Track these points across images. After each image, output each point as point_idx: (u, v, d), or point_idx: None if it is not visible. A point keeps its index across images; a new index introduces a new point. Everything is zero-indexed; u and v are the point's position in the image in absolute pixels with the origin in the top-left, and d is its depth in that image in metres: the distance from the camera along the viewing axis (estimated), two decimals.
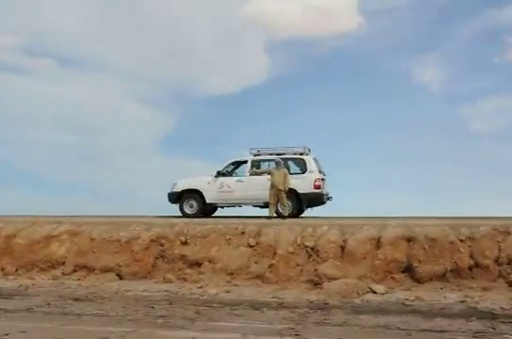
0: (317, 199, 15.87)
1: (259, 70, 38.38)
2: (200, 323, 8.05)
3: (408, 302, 9.53)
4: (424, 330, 7.52)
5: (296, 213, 15.79)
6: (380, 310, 9.04)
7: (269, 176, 15.19)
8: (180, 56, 38.03)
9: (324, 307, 9.30)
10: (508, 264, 10.68)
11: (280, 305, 9.52)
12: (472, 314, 8.62)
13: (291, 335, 7.23)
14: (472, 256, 10.94)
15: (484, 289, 10.32)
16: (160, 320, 8.25)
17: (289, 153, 16.34)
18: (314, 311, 8.98)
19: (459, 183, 30.50)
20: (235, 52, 38.45)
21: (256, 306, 9.37)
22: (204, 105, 39.05)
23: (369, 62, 38.17)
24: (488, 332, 7.40)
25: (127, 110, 37.25)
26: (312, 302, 9.70)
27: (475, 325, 7.85)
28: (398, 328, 7.69)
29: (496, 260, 10.81)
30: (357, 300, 9.80)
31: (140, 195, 32.16)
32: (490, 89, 36.66)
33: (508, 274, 10.57)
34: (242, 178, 16.21)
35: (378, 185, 29.43)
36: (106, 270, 12.50)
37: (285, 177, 14.97)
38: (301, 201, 15.68)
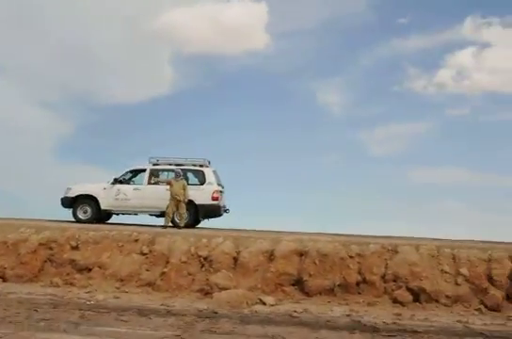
0: (214, 210, 15.83)
1: (164, 81, 38.13)
2: (85, 328, 7.87)
3: (295, 314, 9.67)
4: None
5: (192, 223, 15.70)
6: (268, 320, 9.12)
7: (168, 186, 15.06)
8: (84, 62, 37.23)
9: (212, 316, 9.28)
10: (394, 281, 11.05)
11: (169, 312, 9.42)
12: (355, 327, 8.88)
13: None
14: (360, 272, 11.26)
15: (369, 304, 10.64)
16: (42, 323, 8.02)
17: (188, 165, 16.25)
18: (203, 319, 8.95)
19: (354, 203, 31.38)
20: (141, 62, 38.20)
21: (144, 313, 9.24)
22: (105, 113, 38.30)
23: (275, 81, 38.86)
24: None
25: (24, 114, 35.92)
26: (200, 311, 9.65)
27: (358, 337, 8.14)
28: (284, 338, 7.77)
29: (382, 277, 11.18)
30: (246, 311, 9.84)
31: (32, 200, 30.98)
32: (388, 116, 38.09)
33: (393, 290, 10.94)
34: (139, 186, 15.97)
35: (275, 203, 29.71)
36: None
37: (184, 188, 14.90)
38: (198, 212, 15.61)
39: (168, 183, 15.18)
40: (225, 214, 16.52)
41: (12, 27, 35.90)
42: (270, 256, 11.60)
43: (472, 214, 31.07)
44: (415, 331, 8.69)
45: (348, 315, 9.74)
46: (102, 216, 16.13)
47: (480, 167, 34.42)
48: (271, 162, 34.99)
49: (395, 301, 10.77)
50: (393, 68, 38.80)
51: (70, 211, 16.13)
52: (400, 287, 10.93)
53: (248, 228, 16.15)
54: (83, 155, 37.01)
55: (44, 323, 8.00)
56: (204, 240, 12.19)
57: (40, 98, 37.03)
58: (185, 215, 15.08)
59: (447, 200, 32.84)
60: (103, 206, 15.87)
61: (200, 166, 16.27)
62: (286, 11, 39.69)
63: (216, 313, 9.52)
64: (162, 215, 15.41)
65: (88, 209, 15.90)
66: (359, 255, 11.48)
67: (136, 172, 16.52)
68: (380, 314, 9.95)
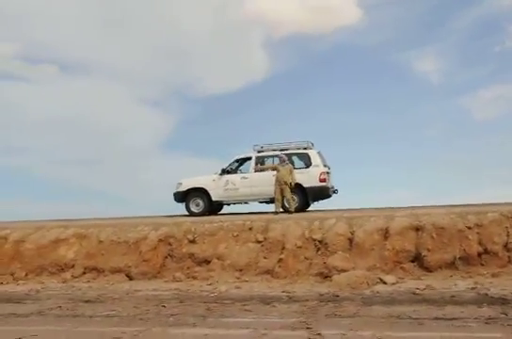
0: (323, 192, 15.77)
1: (259, 68, 38.24)
2: (212, 320, 8.07)
3: (418, 291, 9.50)
4: (436, 319, 7.52)
5: (303, 207, 15.74)
6: (391, 300, 9.03)
7: (274, 172, 15.16)
8: (178, 55, 38.12)
9: (334, 299, 9.28)
10: None
11: (291, 299, 9.51)
12: (482, 300, 8.62)
13: (303, 328, 7.25)
14: (480, 243, 10.93)
15: (493, 275, 10.31)
16: (171, 319, 8.28)
17: (292, 149, 16.27)
18: (325, 303, 8.98)
19: (463, 172, 30.43)
20: (234, 50, 38.46)
21: (266, 301, 9.37)
22: (204, 105, 38.94)
23: (370, 56, 38.15)
24: (500, 318, 7.40)
25: (127, 112, 37.17)
26: (322, 295, 9.68)
27: (487, 311, 7.85)
28: (410, 317, 7.69)
29: (505, 246, 10.80)
30: (367, 292, 9.78)
31: (144, 196, 32.16)
32: (491, 78, 36.66)
33: None
34: (246, 175, 16.18)
35: (381, 180, 29.27)
36: (116, 271, 12.52)
37: (291, 172, 14.94)
38: (307, 196, 15.62)
39: (275, 168, 15.27)
40: (334, 195, 16.44)
41: (109, 29, 37.16)
42: (385, 234, 11.47)
43: None
44: None
45: (473, 289, 9.47)
46: (213, 207, 16.50)
47: None
48: (374, 139, 34.45)
49: None
50: (491, 28, 37.18)
51: (182, 205, 16.63)
52: None
53: (357, 207, 16.14)
54: (188, 148, 38.09)
55: (173, 318, 8.27)
56: (317, 223, 12.21)
57: (141, 95, 38.10)
58: (294, 199, 15.13)
59: None
60: (214, 198, 16.20)
61: (305, 148, 16.24)
62: None
63: (337, 296, 9.52)
64: (272, 201, 15.52)
65: (200, 202, 16.28)
66: (477, 225, 11.13)
67: (242, 161, 16.76)
68: (507, 284, 9.61)
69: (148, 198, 31.35)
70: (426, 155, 33.49)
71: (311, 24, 37.57)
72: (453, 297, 9.00)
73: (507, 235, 10.90)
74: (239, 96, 37.71)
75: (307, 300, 9.26)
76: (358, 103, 36.37)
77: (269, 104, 38.25)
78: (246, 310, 8.73)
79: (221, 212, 17.10)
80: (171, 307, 9.21)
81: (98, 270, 12.72)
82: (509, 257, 10.67)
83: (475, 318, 7.43)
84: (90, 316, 8.77)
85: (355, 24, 36.57)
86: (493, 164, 32.13)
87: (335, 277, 10.52)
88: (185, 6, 37.30)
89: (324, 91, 37.16)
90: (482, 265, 10.77)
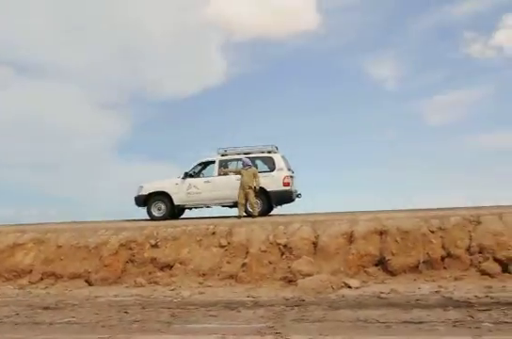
0: (286, 196, 15.70)
1: (216, 72, 38.16)
2: (177, 326, 7.90)
3: (383, 295, 9.54)
4: (404, 322, 7.49)
5: (266, 211, 15.65)
6: (357, 304, 8.99)
7: (238, 176, 15.05)
8: (137, 58, 37.73)
9: (300, 304, 9.21)
10: (480, 252, 10.71)
11: (256, 304, 9.40)
12: (447, 303, 8.66)
13: (271, 334, 7.14)
14: (443, 247, 10.98)
15: (456, 279, 10.38)
16: (135, 325, 8.08)
17: (256, 152, 16.17)
18: (291, 308, 8.88)
19: (417, 175, 30.93)
20: (193, 54, 38.30)
21: (231, 306, 9.24)
22: (161, 108, 38.71)
23: (327, 61, 38.68)
24: (467, 321, 7.41)
25: (83, 115, 36.59)
26: (287, 300, 9.62)
27: (453, 314, 7.86)
28: (377, 321, 7.65)
29: (467, 249, 10.85)
30: (332, 296, 9.76)
31: (100, 200, 31.65)
32: (445, 83, 37.42)
33: (480, 263, 10.61)
34: (209, 178, 16.02)
35: (341, 184, 29.45)
36: (75, 277, 12.24)
37: (255, 176, 14.84)
38: (270, 200, 15.55)
39: (238, 172, 15.16)
40: (297, 199, 16.41)
41: (66, 31, 36.60)
42: (350, 238, 11.46)
43: None
44: (510, 303, 8.41)
45: (437, 292, 9.55)
46: (175, 211, 16.29)
47: None
48: (328, 143, 34.68)
49: (483, 274, 10.44)
50: (447, 34, 37.94)
51: (143, 209, 16.37)
52: (487, 259, 10.59)
53: (318, 211, 16.10)
54: (143, 152, 37.73)
55: (137, 325, 8.07)
56: (281, 227, 12.15)
57: (97, 98, 37.62)
58: (257, 203, 15.04)
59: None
60: (176, 202, 15.98)
61: (269, 152, 16.16)
62: None
63: (303, 300, 9.46)
64: (235, 205, 15.42)
65: (162, 206, 16.05)
66: (440, 229, 11.19)
67: (205, 164, 16.56)
68: (470, 288, 9.71)
69: (103, 202, 30.85)
70: (380, 159, 33.86)
71: (270, 29, 37.81)
72: (418, 300, 9.02)
73: (470, 239, 10.97)
74: (196, 100, 37.66)
75: (272, 305, 9.16)
76: (314, 107, 36.69)
77: (226, 108, 38.28)
78: (211, 315, 8.57)
79: (182, 216, 16.91)
80: (134, 313, 8.98)
81: (56, 276, 12.40)
82: (471, 261, 10.72)
83: (442, 321, 7.43)
84: (50, 324, 8.49)
85: (314, 29, 36.85)
86: (447, 168, 32.66)
87: (300, 281, 10.46)
88: (147, 8, 37.01)
89: (280, 96, 37.36)
90: (445, 268, 10.81)
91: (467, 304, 8.52)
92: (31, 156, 35.80)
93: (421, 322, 7.45)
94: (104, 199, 31.24)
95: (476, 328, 7.02)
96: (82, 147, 36.92)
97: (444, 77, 37.00)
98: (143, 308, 9.45)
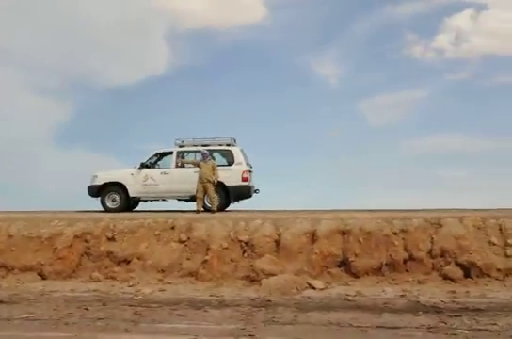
0: (245, 192, 15.50)
1: (161, 61, 37.55)
2: (144, 325, 7.60)
3: (350, 298, 9.40)
4: (378, 327, 7.39)
5: (223, 206, 15.39)
6: (325, 306, 8.83)
7: (196, 168, 14.73)
8: (79, 43, 36.49)
9: (267, 304, 8.99)
10: (442, 256, 10.72)
11: (221, 303, 9.14)
12: (416, 308, 8.61)
13: (245, 336, 6.93)
14: (406, 249, 10.93)
15: (420, 282, 10.34)
16: (99, 323, 7.73)
17: (214, 145, 15.87)
18: (259, 309, 8.66)
19: (357, 175, 31.38)
20: (137, 41, 37.49)
21: (197, 305, 8.95)
22: (103, 96, 37.77)
23: (271, 55, 38.47)
24: (440, 327, 7.37)
25: (20, 100, 35.28)
26: (253, 300, 9.37)
27: (424, 320, 7.81)
28: (351, 324, 7.54)
29: (429, 252, 10.84)
30: (298, 297, 9.57)
31: (37, 188, 30.55)
32: (387, 84, 37.68)
33: (442, 266, 10.61)
34: (167, 170, 15.64)
35: (277, 180, 29.34)
36: (27, 270, 11.61)
37: (213, 169, 14.55)
38: (229, 195, 15.29)
39: (197, 164, 14.82)
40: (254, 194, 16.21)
41: (7, 12, 35.26)
42: (312, 237, 11.29)
43: (476, 181, 30.80)
44: (478, 309, 8.42)
45: (403, 296, 9.47)
46: (130, 203, 15.85)
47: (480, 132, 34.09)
48: (269, 138, 34.60)
49: (446, 278, 10.44)
50: (390, 35, 38.49)
51: (95, 200, 15.96)
52: (449, 263, 10.60)
53: (276, 208, 15.98)
54: (84, 142, 36.65)
55: (101, 323, 7.70)
56: (242, 224, 11.87)
57: (36, 83, 36.39)
58: (217, 198, 14.75)
59: (449, 167, 32.57)
60: (131, 193, 15.56)
61: (227, 145, 15.90)
62: None
63: (269, 301, 9.22)
64: (192, 199, 15.13)
65: (117, 197, 15.61)
66: (403, 231, 11.13)
67: (162, 155, 16.16)
68: (434, 292, 9.67)
69: (42, 191, 29.71)
70: (319, 156, 34.15)
71: (216, 19, 37.25)
72: (386, 304, 8.93)
73: (432, 242, 10.97)
74: (139, 89, 36.82)
75: (238, 305, 8.91)
76: (254, 100, 36.57)
77: (169, 98, 37.60)
78: (177, 314, 8.26)
79: (136, 209, 16.51)
80: (95, 310, 8.59)
81: (7, 268, 11.74)
82: (433, 264, 10.72)
83: (417, 327, 7.36)
84: (8, 319, 8.03)
85: (259, 23, 36.51)
86: (384, 169, 33.26)
87: (264, 281, 10.21)
88: None
89: (223, 86, 37.00)
90: (407, 271, 10.78)
91: (436, 309, 8.47)
92: None
93: (395, 327, 7.38)
94: (43, 188, 30.16)
95: (453, 334, 6.99)
96: (19, 133, 35.48)
97: (385, 77, 37.37)
98: (104, 305, 9.05)
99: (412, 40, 36.73)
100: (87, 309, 8.68)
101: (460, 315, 8.01)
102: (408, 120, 36.14)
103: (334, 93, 36.86)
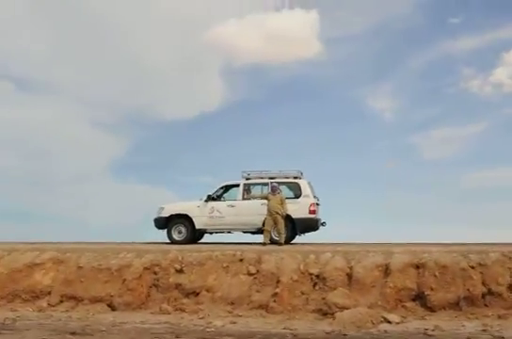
0: (312, 224, 15.33)
1: (215, 95, 37.89)
2: None
3: (429, 332, 9.04)
4: None
5: (289, 239, 15.18)
6: None
7: (263, 201, 14.66)
8: (135, 80, 37.33)
9: (343, 338, 8.73)
10: None
11: (296, 337, 8.92)
12: None
13: None
14: (484, 283, 10.52)
15: (500, 317, 9.90)
16: None
17: (281, 177, 15.80)
18: None
19: (413, 208, 30.83)
20: (192, 77, 38.02)
21: (270, 338, 8.75)
22: (157, 130, 38.39)
23: (326, 90, 38.41)
24: None
25: (80, 134, 36.08)
26: (328, 333, 9.12)
27: None
28: None
29: (509, 287, 10.40)
30: (374, 331, 9.26)
31: (94, 221, 31.04)
32: (443, 118, 36.97)
33: None
34: (233, 202, 15.61)
35: (355, 211, 28.97)
36: (97, 301, 11.66)
37: (282, 202, 14.48)
38: (295, 227, 15.12)
39: (265, 197, 14.76)
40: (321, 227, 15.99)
41: (71, 49, 36.50)
42: (385, 270, 11.00)
43: None
44: None
45: (485, 331, 9.05)
46: (196, 235, 15.84)
47: None
48: (326, 176, 34.38)
49: None
50: (447, 69, 37.79)
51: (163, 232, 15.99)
52: None
53: (343, 241, 15.73)
54: (138, 175, 37.14)
55: None
56: (312, 256, 11.68)
57: (95, 117, 37.33)
58: (284, 230, 14.59)
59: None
60: (197, 226, 15.55)
61: (294, 178, 15.80)
62: (337, 18, 38.81)
63: (345, 335, 8.96)
64: (258, 231, 15.02)
65: (183, 229, 15.63)
66: (480, 265, 10.73)
67: (228, 188, 16.18)
68: None
69: (100, 223, 30.16)
70: (375, 190, 33.74)
71: (271, 54, 37.47)
72: None
73: (511, 276, 10.54)
74: (193, 124, 37.19)
75: None
76: (309, 133, 36.51)
77: (223, 133, 37.87)
78: None
79: (201, 241, 16.48)
80: None
81: (77, 299, 11.82)
82: None
83: None
84: None
85: (314, 58, 36.54)
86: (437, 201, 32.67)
87: (338, 314, 9.94)
88: (151, 29, 36.67)
89: (276, 120, 37.05)
90: (486, 306, 10.36)
91: None
92: (26, 174, 35.16)
93: None
94: (99, 219, 30.70)
95: None
96: (77, 166, 36.32)
97: (442, 112, 36.87)
98: (177, 337, 8.93)
99: (469, 75, 36.08)
100: None
101: None
102: (464, 154, 35.41)
103: (389, 127, 36.56)
